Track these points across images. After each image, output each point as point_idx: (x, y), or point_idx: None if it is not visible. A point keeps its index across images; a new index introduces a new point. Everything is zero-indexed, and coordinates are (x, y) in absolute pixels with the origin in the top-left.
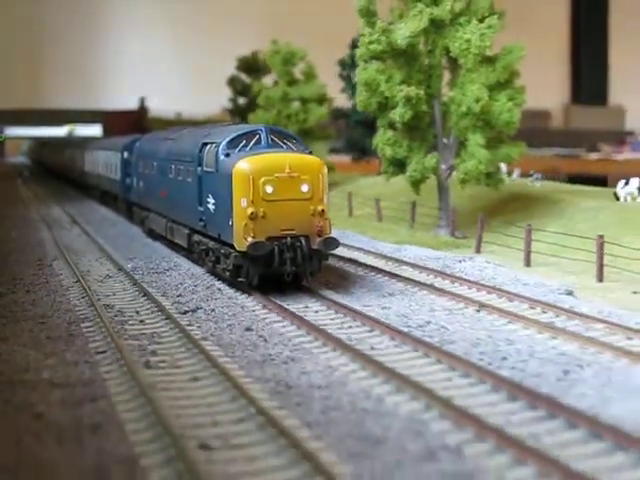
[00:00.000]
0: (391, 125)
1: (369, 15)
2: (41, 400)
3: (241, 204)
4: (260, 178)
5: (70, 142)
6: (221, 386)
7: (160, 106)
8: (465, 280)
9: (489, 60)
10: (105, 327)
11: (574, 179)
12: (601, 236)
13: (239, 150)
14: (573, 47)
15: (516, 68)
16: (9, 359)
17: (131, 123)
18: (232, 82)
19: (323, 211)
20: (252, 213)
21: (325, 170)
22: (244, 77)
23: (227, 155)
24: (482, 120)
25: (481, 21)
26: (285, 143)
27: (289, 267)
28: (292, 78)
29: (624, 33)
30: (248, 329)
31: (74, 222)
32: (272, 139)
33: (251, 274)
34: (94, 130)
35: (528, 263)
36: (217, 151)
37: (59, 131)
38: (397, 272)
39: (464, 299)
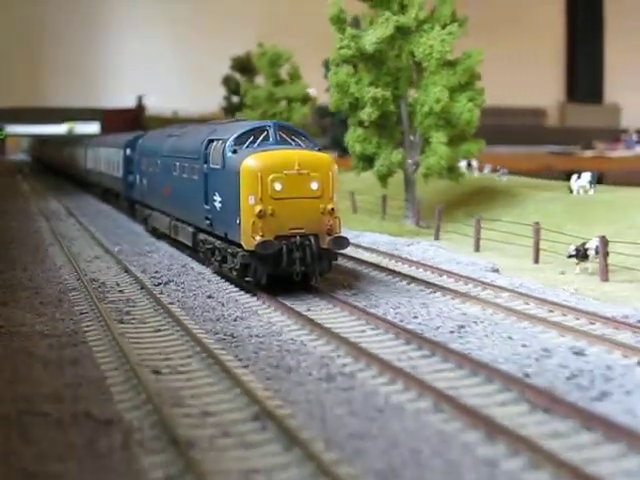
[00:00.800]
0: (361, 123)
1: (340, 22)
2: (33, 345)
3: (249, 202)
4: (269, 175)
5: (71, 139)
6: (177, 334)
7: (158, 104)
8: (407, 260)
9: (450, 64)
10: (89, 295)
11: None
12: (537, 223)
13: (247, 147)
14: (569, 46)
15: (477, 71)
16: (9, 317)
17: (129, 121)
18: (226, 81)
19: (333, 210)
20: (260, 211)
21: (335, 168)
22: (238, 77)
23: (234, 152)
24: (444, 119)
25: (443, 28)
26: (294, 140)
27: (298, 267)
28: (278, 79)
29: (619, 32)
30: (210, 297)
31: (70, 214)
32: (280, 135)
33: (259, 274)
34: (92, 128)
35: (477, 249)
36: (224, 148)
37: (59, 129)
38: (352, 254)
39: (399, 274)
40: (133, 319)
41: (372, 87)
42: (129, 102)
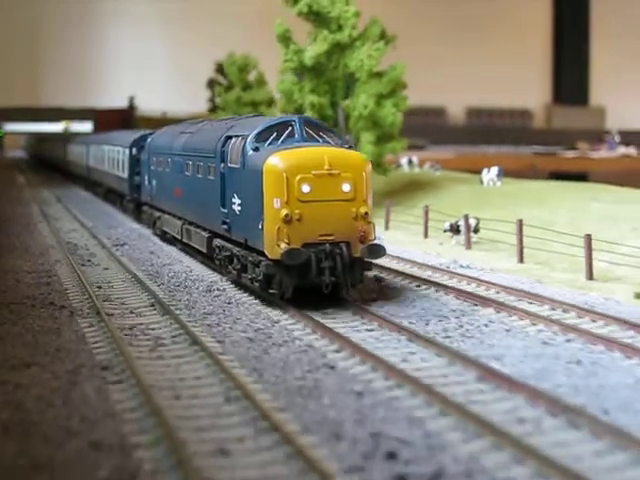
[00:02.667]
0: None
1: (285, 40)
2: (21, 276)
3: (273, 205)
4: (295, 176)
5: (73, 137)
6: (121, 272)
7: (148, 105)
8: None
9: (378, 75)
10: (63, 250)
11: (559, 176)
12: (426, 206)
13: (269, 144)
14: (555, 48)
15: (402, 80)
16: (4, 263)
17: (120, 120)
18: (210, 84)
19: (367, 214)
20: (286, 216)
21: (369, 167)
22: (221, 79)
23: (256, 149)
24: (372, 122)
25: (373, 44)
26: (321, 136)
27: (328, 277)
28: (246, 84)
29: (605, 36)
30: (152, 252)
31: (58, 201)
32: (307, 131)
33: (284, 285)
34: (86, 126)
35: (387, 228)
36: (244, 145)
37: (55, 127)
38: None
39: None
40: (92, 264)
41: (313, 94)
42: (121, 102)
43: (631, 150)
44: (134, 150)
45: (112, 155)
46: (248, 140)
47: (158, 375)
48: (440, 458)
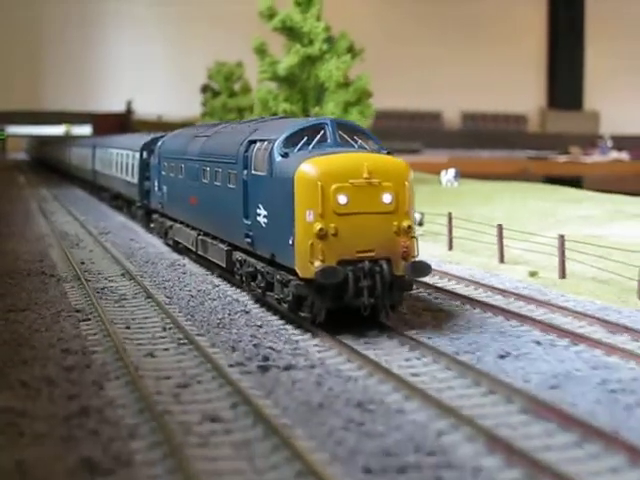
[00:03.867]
0: None
1: (261, 53)
2: (18, 256)
3: (306, 218)
4: (331, 185)
5: (78, 140)
6: (102, 253)
7: (145, 108)
8: None
9: (345, 85)
10: (56, 237)
11: (552, 181)
12: None
13: (299, 149)
14: (550, 53)
15: (367, 89)
16: (4, 246)
17: (118, 124)
18: (205, 89)
19: (409, 228)
20: (321, 230)
21: (412, 176)
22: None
23: (285, 155)
24: None
25: (340, 57)
26: (355, 140)
27: (366, 299)
28: (232, 91)
29: (600, 41)
30: (132, 239)
31: (55, 198)
32: (340, 135)
33: (317, 308)
34: (85, 130)
35: None
36: (271, 150)
37: (57, 130)
38: None
39: None
40: (79, 247)
41: (286, 102)
42: (119, 106)
43: (623, 155)
44: (144, 154)
45: (121, 159)
46: (276, 145)
47: (117, 315)
48: (296, 358)
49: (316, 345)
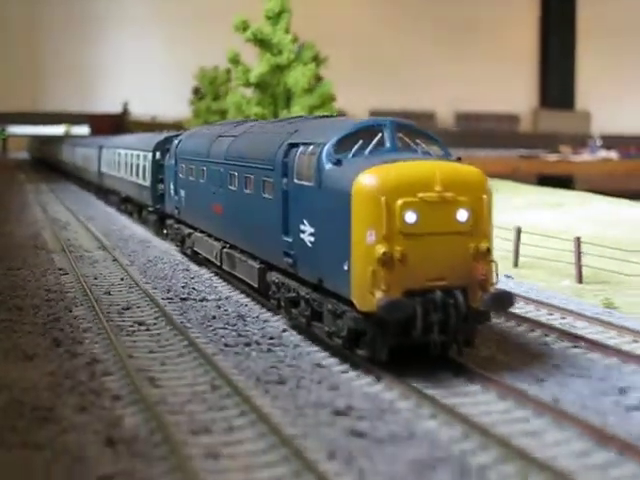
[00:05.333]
0: None
1: (235, 62)
2: (15, 235)
3: (366, 240)
4: (397, 200)
5: (82, 139)
6: (85, 233)
7: (141, 109)
8: None
9: (310, 90)
10: (48, 222)
11: (545, 179)
12: None
13: (354, 155)
14: (542, 54)
15: (330, 94)
16: (3, 229)
17: (114, 124)
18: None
19: (488, 251)
20: (385, 254)
21: (490, 188)
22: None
23: (337, 163)
24: None
25: (305, 65)
26: (418, 144)
27: (437, 335)
28: (216, 94)
29: (591, 42)
30: (112, 224)
31: (51, 192)
32: (401, 139)
33: (379, 346)
34: (83, 130)
35: None
36: (319, 156)
37: (57, 130)
38: None
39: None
40: (67, 229)
41: (258, 106)
42: (115, 106)
43: (612, 154)
44: (157, 154)
45: (131, 160)
46: (325, 150)
47: (88, 272)
48: (217, 294)
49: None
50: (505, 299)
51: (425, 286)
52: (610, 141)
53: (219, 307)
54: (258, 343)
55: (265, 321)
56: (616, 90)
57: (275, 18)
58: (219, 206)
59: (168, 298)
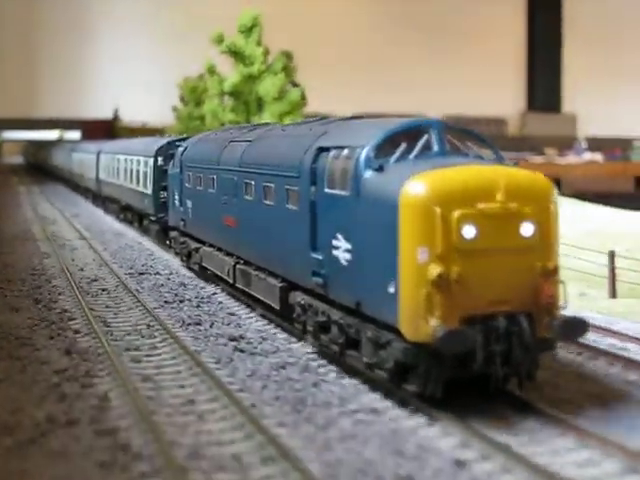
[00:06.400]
0: None
1: (211, 72)
2: (8, 229)
3: (417, 258)
4: (454, 211)
5: (79, 144)
6: (69, 227)
7: (131, 116)
8: None
9: (279, 98)
10: (37, 219)
11: None
12: None
13: (398, 160)
14: (529, 58)
15: (298, 101)
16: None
17: (105, 130)
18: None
19: (556, 269)
20: (440, 276)
21: (557, 197)
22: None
23: (379, 169)
24: None
25: (276, 75)
26: (469, 147)
27: (500, 368)
28: (197, 102)
29: (577, 46)
30: (92, 220)
31: (42, 193)
32: (450, 142)
33: (432, 380)
34: (74, 135)
35: None
36: (357, 161)
37: (50, 135)
38: None
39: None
40: (54, 224)
41: (232, 113)
42: (106, 112)
43: (597, 156)
44: (159, 160)
45: (130, 166)
46: (364, 154)
47: (67, 255)
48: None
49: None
50: (577, 327)
51: (486, 311)
52: (596, 143)
53: (168, 279)
54: (190, 301)
55: (202, 288)
56: (602, 93)
57: (247, 32)
58: (232, 218)
59: (129, 273)
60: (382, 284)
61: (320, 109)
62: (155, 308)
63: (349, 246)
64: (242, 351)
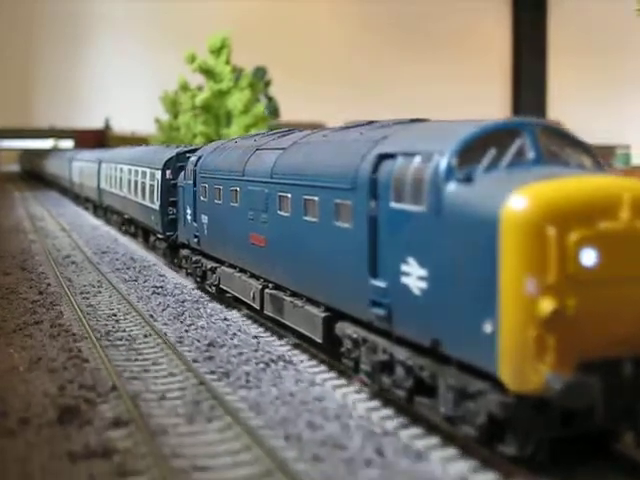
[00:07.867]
0: None
1: (184, 88)
2: (2, 225)
3: (524, 290)
4: (571, 233)
5: (79, 153)
6: (55, 224)
7: (122, 125)
8: None
9: (246, 112)
10: (28, 218)
11: None
12: None
13: (488, 169)
14: (515, 66)
15: (262, 115)
16: None
17: (97, 139)
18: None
19: None
20: (555, 313)
21: None
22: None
23: (466, 179)
24: None
25: (242, 91)
26: (569, 154)
27: (623, 424)
28: (176, 114)
29: (562, 56)
30: (76, 218)
31: (35, 198)
32: (547, 148)
33: (532, 440)
34: (67, 144)
35: None
36: (435, 171)
37: (45, 143)
38: None
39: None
40: (42, 221)
41: (203, 125)
42: (98, 122)
43: None
44: (167, 173)
45: (135, 177)
46: (443, 161)
47: (50, 242)
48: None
49: None
50: None
51: (607, 355)
52: None
53: (124, 255)
54: (135, 268)
55: (145, 259)
56: (586, 103)
57: (217, 52)
58: (260, 236)
59: (94, 252)
60: (473, 321)
61: (297, 118)
62: (107, 272)
63: (424, 273)
64: (158, 294)
